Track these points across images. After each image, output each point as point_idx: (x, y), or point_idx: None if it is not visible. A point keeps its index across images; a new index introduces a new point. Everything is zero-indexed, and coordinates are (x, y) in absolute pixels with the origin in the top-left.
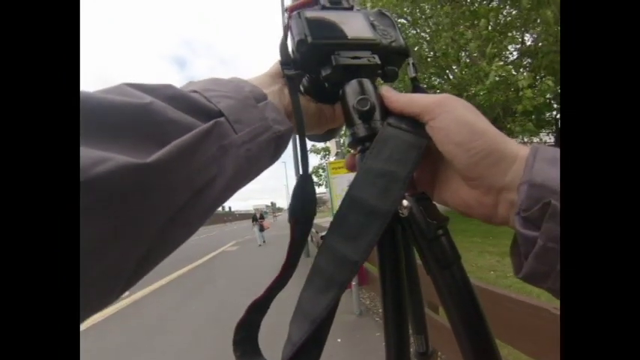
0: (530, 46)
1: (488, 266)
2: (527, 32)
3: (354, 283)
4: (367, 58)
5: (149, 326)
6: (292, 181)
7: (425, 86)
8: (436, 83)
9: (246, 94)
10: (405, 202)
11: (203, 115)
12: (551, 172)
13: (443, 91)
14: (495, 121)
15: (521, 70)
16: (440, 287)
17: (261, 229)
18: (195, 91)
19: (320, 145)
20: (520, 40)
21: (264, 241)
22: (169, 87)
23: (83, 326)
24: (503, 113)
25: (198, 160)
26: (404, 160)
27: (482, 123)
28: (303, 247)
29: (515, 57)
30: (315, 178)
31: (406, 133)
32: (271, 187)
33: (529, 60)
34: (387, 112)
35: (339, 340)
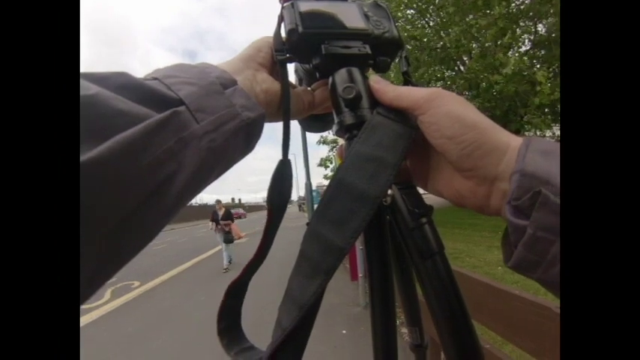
0: (542, 36)
1: (497, 261)
2: (539, 22)
3: (360, 275)
4: (358, 47)
5: (161, 311)
6: (302, 173)
7: (436, 77)
8: (447, 75)
9: (211, 80)
10: (388, 190)
11: (160, 104)
12: (542, 163)
13: (454, 83)
14: (508, 113)
15: (535, 63)
16: (422, 278)
17: (228, 238)
18: (155, 78)
19: (330, 137)
20: (533, 29)
21: (230, 262)
22: (122, 75)
23: (89, 318)
24: (520, 104)
25: (150, 155)
26: (393, 147)
27: (473, 115)
28: (276, 230)
29: (528, 47)
30: (323, 169)
31: (395, 123)
32: None
33: (542, 52)
34: (376, 101)
35: (344, 332)
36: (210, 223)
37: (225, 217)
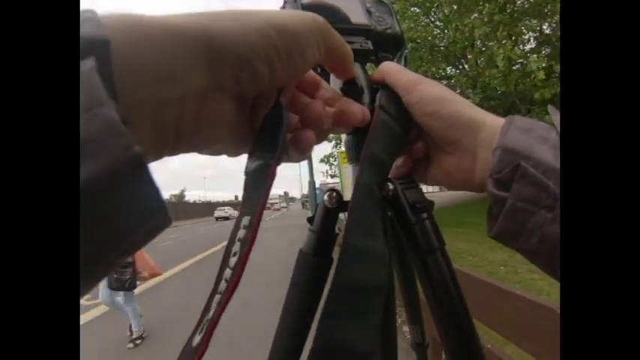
0: (547, 35)
1: (500, 261)
2: (544, 21)
3: None
4: (360, 43)
5: (167, 308)
6: (305, 170)
7: (440, 75)
8: (451, 73)
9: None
10: (390, 186)
11: None
12: (523, 139)
13: (458, 81)
14: (510, 111)
15: (532, 55)
16: (422, 274)
17: (124, 281)
18: None
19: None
20: (538, 28)
21: (140, 334)
22: None
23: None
24: (520, 102)
25: None
26: (392, 151)
27: (451, 95)
28: None
29: (533, 45)
30: (326, 167)
31: (395, 123)
32: (285, 177)
33: (548, 49)
34: (375, 95)
35: None
36: None
37: None
